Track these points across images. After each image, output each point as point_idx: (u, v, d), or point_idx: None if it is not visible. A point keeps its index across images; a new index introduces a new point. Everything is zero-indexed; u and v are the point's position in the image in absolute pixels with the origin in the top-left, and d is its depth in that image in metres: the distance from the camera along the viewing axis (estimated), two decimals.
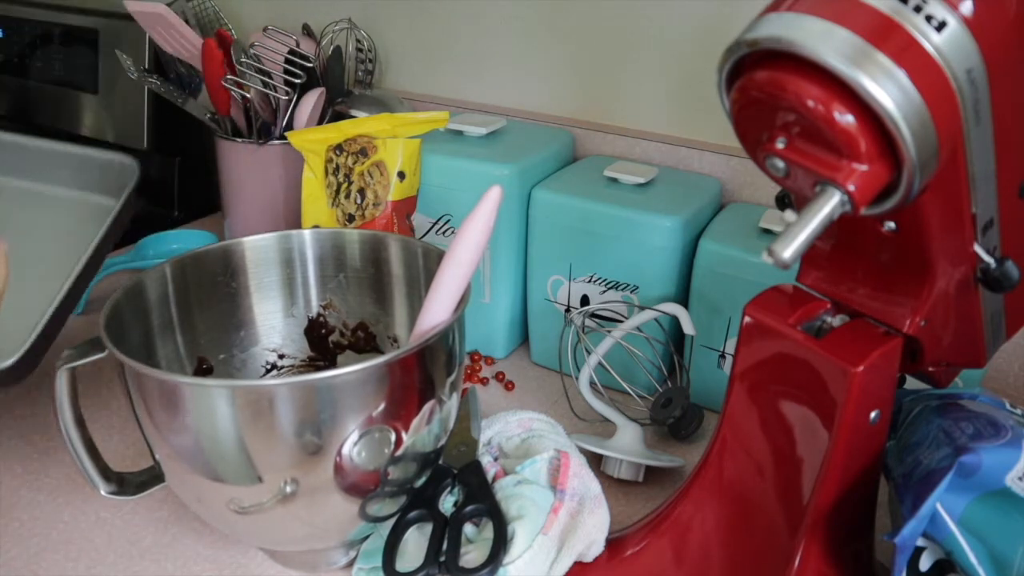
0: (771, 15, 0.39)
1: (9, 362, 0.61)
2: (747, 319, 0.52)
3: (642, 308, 0.73)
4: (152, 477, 0.56)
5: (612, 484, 0.67)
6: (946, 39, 0.36)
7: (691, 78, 0.86)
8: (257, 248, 0.65)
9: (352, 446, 0.49)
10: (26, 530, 0.63)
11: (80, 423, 0.54)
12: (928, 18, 0.36)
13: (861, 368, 0.46)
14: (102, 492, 0.56)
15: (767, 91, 0.39)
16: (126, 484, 0.56)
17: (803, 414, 0.50)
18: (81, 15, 1.20)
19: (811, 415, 0.49)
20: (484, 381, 0.81)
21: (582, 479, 0.58)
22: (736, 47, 0.40)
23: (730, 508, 0.54)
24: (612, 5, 0.87)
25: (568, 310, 0.79)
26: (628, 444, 0.68)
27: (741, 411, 0.53)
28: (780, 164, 0.42)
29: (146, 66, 1.10)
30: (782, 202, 0.51)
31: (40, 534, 0.62)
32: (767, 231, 0.72)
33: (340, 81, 0.93)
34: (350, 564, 0.59)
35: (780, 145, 0.41)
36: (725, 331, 0.72)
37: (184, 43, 0.93)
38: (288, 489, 0.49)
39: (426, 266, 0.62)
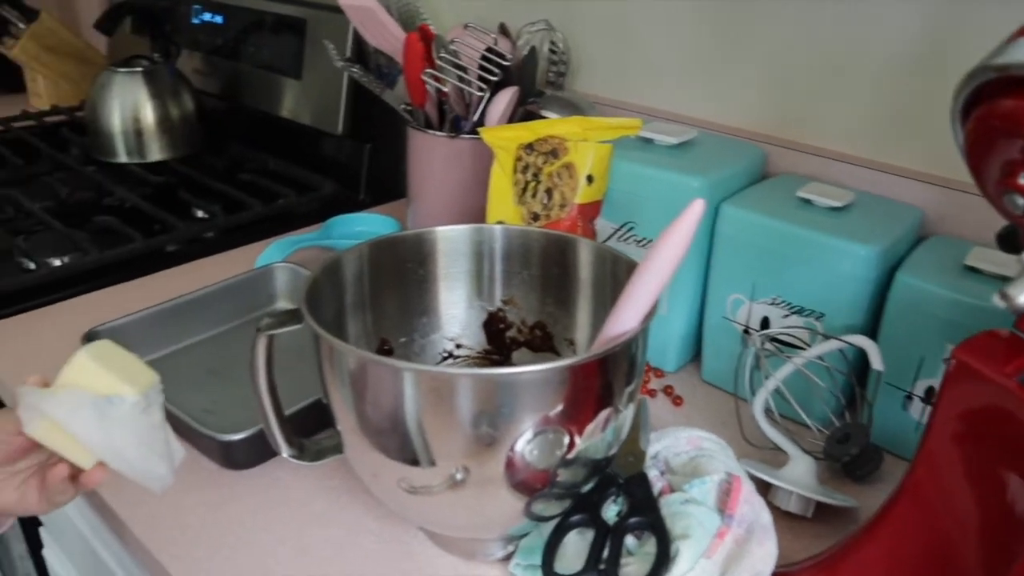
0: (1022, 40, 0.36)
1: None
2: (954, 362, 0.48)
3: (827, 337, 0.70)
4: (330, 447, 0.59)
5: (778, 516, 0.64)
6: None
7: (896, 100, 0.81)
8: (449, 238, 0.66)
9: (526, 443, 0.49)
10: (213, 480, 0.67)
11: (272, 389, 0.57)
12: None
13: None
14: (284, 454, 0.59)
15: (1013, 121, 0.37)
16: (305, 450, 0.60)
17: (1016, 475, 0.46)
18: (291, 5, 1.27)
19: None
20: (652, 393, 0.80)
21: (753, 506, 0.56)
22: (980, 72, 0.38)
23: (917, 563, 0.51)
24: (816, 21, 0.83)
25: (747, 331, 0.77)
26: (800, 476, 0.65)
27: (939, 461, 0.50)
28: (1022, 201, 0.39)
29: (348, 56, 1.15)
30: (1006, 241, 0.47)
31: (227, 484, 0.67)
32: (973, 269, 0.67)
33: (533, 81, 0.95)
34: (506, 558, 0.59)
35: None
36: (915, 371, 0.68)
37: (388, 36, 0.97)
38: (459, 476, 0.51)
39: (614, 273, 0.61)
